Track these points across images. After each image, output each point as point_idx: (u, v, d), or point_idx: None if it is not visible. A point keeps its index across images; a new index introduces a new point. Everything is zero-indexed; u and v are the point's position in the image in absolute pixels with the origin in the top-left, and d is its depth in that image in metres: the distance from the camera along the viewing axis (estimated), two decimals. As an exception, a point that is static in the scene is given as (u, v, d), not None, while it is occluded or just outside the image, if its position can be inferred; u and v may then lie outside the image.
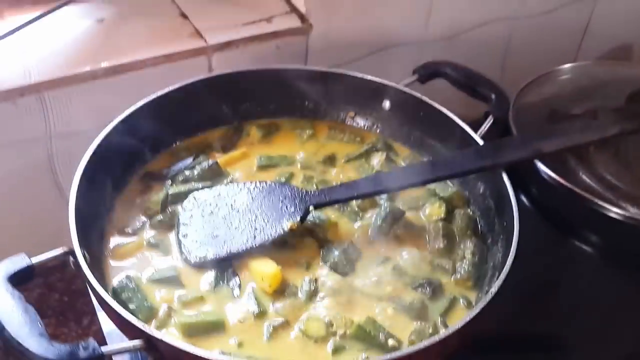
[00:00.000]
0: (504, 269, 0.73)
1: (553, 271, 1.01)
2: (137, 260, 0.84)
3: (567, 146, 0.89)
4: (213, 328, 0.76)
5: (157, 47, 1.04)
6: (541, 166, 1.02)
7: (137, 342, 0.66)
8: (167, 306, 0.78)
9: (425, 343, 0.66)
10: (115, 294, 0.79)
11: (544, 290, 0.97)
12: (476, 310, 0.69)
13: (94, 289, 0.70)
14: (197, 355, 0.64)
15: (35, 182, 1.05)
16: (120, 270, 0.83)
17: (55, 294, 1.16)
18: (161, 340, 0.65)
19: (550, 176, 1.01)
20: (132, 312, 0.76)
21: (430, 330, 0.76)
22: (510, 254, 0.75)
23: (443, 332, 0.67)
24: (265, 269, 0.81)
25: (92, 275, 0.71)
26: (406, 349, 0.66)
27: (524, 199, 1.09)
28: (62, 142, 1.04)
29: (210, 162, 0.96)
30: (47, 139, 1.03)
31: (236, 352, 0.73)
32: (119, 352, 0.66)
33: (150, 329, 0.66)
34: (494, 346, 0.91)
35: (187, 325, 0.75)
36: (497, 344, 0.91)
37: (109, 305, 0.69)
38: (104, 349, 0.63)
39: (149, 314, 0.77)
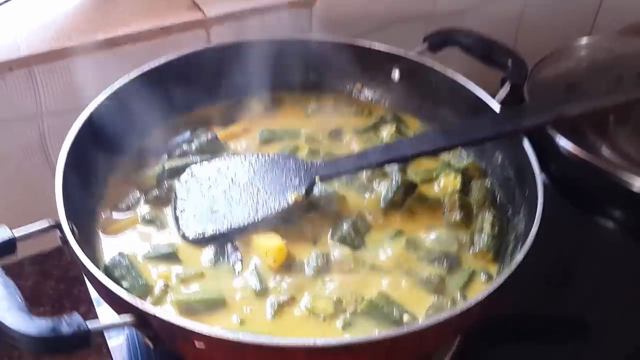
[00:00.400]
0: (529, 235, 0.67)
1: (574, 250, 0.95)
2: (132, 236, 0.79)
3: (592, 109, 0.82)
4: (213, 305, 0.70)
5: (153, 20, 0.99)
6: (560, 140, 0.96)
7: (127, 318, 0.60)
8: (163, 283, 0.72)
9: (445, 315, 0.60)
10: (108, 272, 0.73)
11: (564, 270, 0.91)
12: (500, 280, 0.63)
13: (82, 263, 0.65)
14: (193, 331, 0.58)
15: (26, 162, 0.99)
16: (113, 248, 0.77)
17: (51, 282, 1.11)
18: (154, 316, 0.59)
19: (569, 151, 0.95)
20: (126, 290, 0.71)
21: (449, 305, 0.69)
22: (536, 220, 0.69)
23: (464, 304, 0.61)
24: (269, 242, 0.75)
25: (79, 249, 0.65)
26: (425, 322, 0.60)
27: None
28: (54, 120, 0.98)
29: (210, 135, 0.90)
30: (38, 117, 0.98)
31: (238, 330, 0.67)
32: (108, 328, 0.60)
33: (142, 303, 0.60)
34: (511, 330, 0.85)
35: (184, 302, 0.69)
36: (515, 328, 0.85)
37: (98, 280, 0.63)
38: (90, 324, 0.57)
39: (144, 292, 0.71)
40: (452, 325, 0.61)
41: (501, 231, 0.78)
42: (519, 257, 0.65)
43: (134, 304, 0.60)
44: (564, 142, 0.95)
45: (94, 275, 0.63)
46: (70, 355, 0.57)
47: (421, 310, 0.70)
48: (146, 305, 0.60)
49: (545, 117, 0.82)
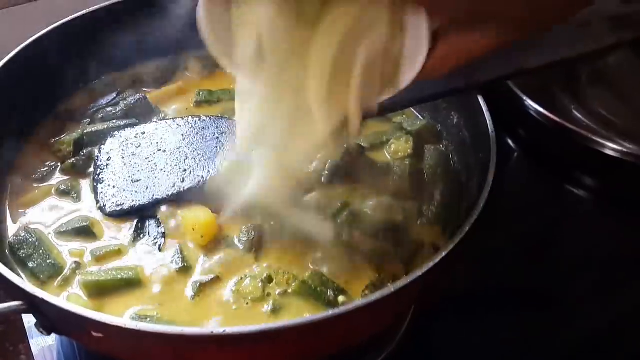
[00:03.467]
0: (479, 202, 0.59)
1: (545, 220, 0.88)
2: (44, 210, 0.70)
3: (555, 61, 0.74)
4: (126, 286, 0.62)
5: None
6: (530, 103, 0.88)
7: (15, 304, 0.52)
8: (74, 262, 0.65)
9: (376, 295, 0.52)
10: (12, 251, 0.65)
11: (535, 242, 0.85)
12: (442, 254, 0.55)
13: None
14: (87, 319, 0.50)
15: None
16: (22, 222, 0.69)
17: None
18: (43, 301, 0.51)
19: (540, 113, 0.87)
20: (31, 271, 0.63)
21: (390, 282, 0.62)
22: (487, 184, 0.61)
23: (398, 282, 0.53)
24: (197, 216, 0.67)
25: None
26: (351, 304, 0.52)
27: (510, 142, 0.96)
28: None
29: (138, 96, 0.82)
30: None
31: (154, 313, 0.60)
32: (-11, 315, 0.52)
33: (31, 288, 0.52)
34: (471, 304, 0.78)
35: (93, 284, 0.62)
36: (480, 301, 0.79)
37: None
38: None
39: (53, 272, 0.64)
40: (387, 306, 0.54)
41: (453, 200, 0.71)
42: (466, 227, 0.57)
43: (21, 286, 0.52)
44: (532, 104, 0.88)
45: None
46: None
47: (360, 289, 0.63)
48: (37, 291, 0.52)
49: (500, 71, 0.74)
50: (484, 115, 0.69)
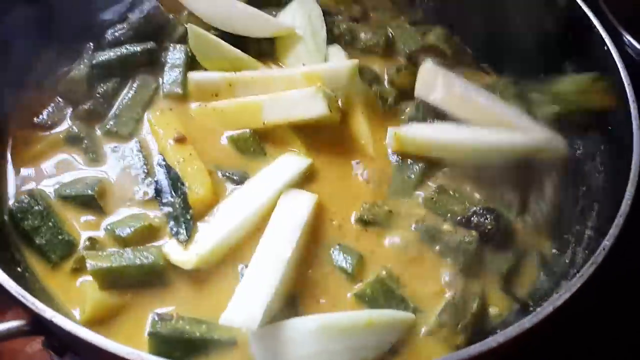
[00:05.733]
0: (621, 210, 0.44)
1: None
2: (52, 166, 0.56)
3: None
4: (149, 277, 0.49)
5: None
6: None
7: (15, 324, 0.40)
8: (89, 238, 0.52)
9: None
10: (14, 221, 0.52)
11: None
12: (564, 295, 0.42)
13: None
14: (103, 351, 0.38)
15: None
16: (25, 183, 0.55)
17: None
18: (51, 322, 0.39)
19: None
20: (39, 249, 0.50)
21: (476, 304, 0.49)
22: (630, 182, 0.46)
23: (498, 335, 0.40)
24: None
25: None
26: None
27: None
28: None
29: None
30: None
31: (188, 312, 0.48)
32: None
33: (39, 305, 0.40)
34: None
35: (103, 273, 0.48)
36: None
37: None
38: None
39: (66, 251, 0.51)
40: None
41: (567, 198, 0.55)
42: (599, 257, 0.43)
43: (25, 303, 0.40)
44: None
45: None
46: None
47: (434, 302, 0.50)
48: (47, 310, 0.39)
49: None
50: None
